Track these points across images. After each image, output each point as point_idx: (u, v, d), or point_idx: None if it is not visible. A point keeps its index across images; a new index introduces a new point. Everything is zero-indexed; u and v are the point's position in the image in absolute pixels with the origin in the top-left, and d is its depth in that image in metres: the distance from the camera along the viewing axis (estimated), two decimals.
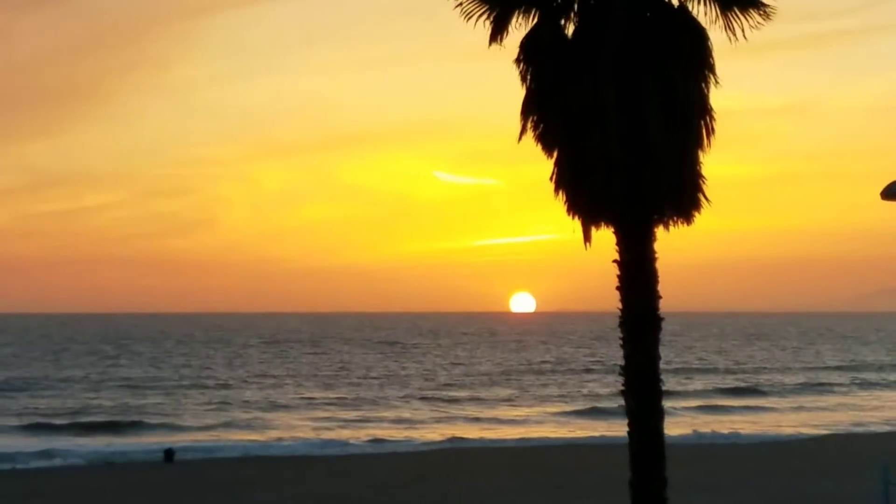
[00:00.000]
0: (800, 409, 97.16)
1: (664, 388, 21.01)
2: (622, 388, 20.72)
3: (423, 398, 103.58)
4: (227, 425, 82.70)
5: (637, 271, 20.31)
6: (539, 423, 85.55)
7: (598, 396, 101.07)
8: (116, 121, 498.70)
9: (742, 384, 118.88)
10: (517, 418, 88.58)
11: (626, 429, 20.62)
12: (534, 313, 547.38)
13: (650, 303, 20.40)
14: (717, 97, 21.05)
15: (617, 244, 20.59)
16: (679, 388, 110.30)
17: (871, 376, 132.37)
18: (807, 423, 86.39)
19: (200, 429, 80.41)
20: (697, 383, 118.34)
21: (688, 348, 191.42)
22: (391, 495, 42.65)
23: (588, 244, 20.55)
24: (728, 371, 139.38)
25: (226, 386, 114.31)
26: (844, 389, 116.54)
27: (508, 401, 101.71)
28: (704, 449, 62.19)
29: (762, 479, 46.22)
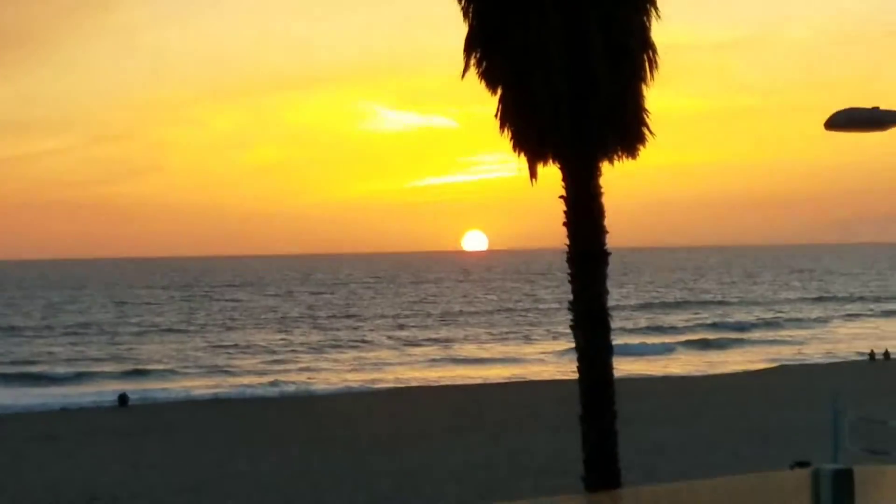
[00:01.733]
0: (757, 342, 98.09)
1: (617, 324, 21.07)
2: (571, 323, 20.73)
3: (383, 340, 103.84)
4: (183, 370, 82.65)
5: (583, 207, 20.27)
6: (500, 361, 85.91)
7: (559, 335, 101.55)
8: (60, 65, 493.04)
9: (700, 320, 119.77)
10: (480, 357, 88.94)
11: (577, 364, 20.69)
12: (487, 251, 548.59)
13: (597, 238, 20.38)
14: (662, 32, 20.95)
15: (563, 180, 20.54)
16: (642, 325, 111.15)
17: (822, 310, 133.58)
18: (760, 356, 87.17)
19: (156, 373, 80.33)
20: (662, 318, 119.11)
21: (641, 284, 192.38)
22: (335, 433, 42.75)
23: (534, 180, 20.49)
24: (684, 304, 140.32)
25: (181, 331, 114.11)
26: (795, 323, 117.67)
27: (468, 341, 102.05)
28: (656, 383, 62.68)
29: (715, 411, 46.62)
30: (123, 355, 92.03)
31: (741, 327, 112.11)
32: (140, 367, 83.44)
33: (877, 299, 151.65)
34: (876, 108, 13.36)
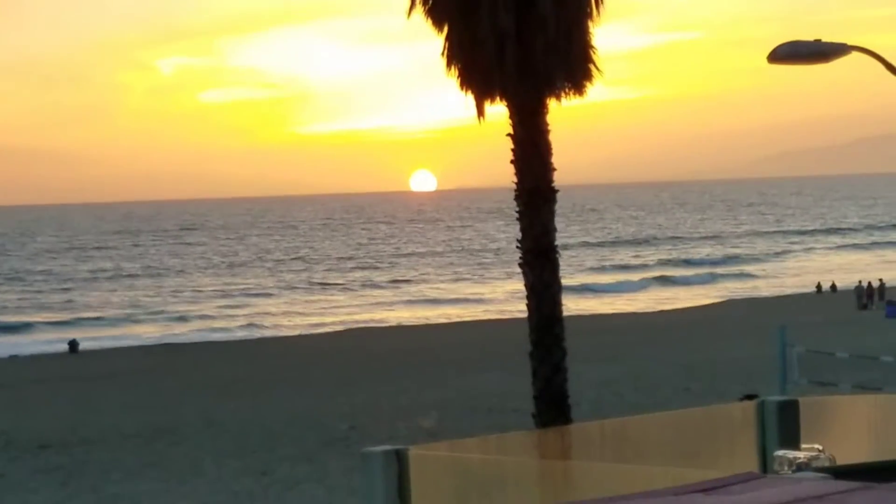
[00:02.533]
0: (714, 277, 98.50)
1: (562, 261, 21.11)
2: (519, 261, 20.75)
3: (336, 282, 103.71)
4: (134, 316, 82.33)
5: (530, 145, 20.25)
6: (453, 301, 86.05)
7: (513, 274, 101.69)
8: (8, 7, 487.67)
9: (657, 256, 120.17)
10: (433, 297, 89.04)
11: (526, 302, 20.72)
12: (435, 192, 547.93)
13: (544, 176, 20.38)
14: None
15: (510, 118, 20.50)
16: (597, 265, 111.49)
17: (776, 244, 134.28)
18: (715, 291, 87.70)
19: (107, 320, 79.96)
20: (613, 257, 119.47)
21: (592, 222, 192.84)
22: (285, 375, 42.75)
23: (481, 118, 20.43)
24: (640, 242, 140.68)
25: (131, 276, 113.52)
26: (751, 258, 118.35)
27: (421, 281, 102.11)
28: (606, 320, 62.95)
29: (663, 346, 46.87)
30: (75, 301, 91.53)
31: (695, 262, 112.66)
32: (90, 314, 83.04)
33: (830, 231, 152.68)
34: (818, 41, 13.36)
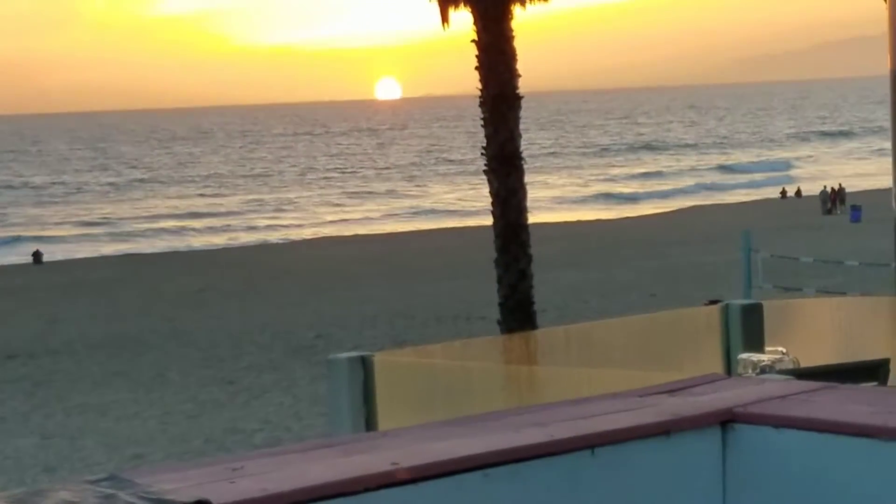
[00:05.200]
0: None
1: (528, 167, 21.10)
2: (484, 167, 20.75)
3: (300, 193, 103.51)
4: (95, 225, 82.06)
5: (494, 51, 20.20)
6: (422, 212, 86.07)
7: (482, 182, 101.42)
8: None
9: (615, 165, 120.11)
10: (402, 207, 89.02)
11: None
12: (400, 99, 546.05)
13: (510, 82, 20.35)
14: None
15: (474, 24, 20.42)
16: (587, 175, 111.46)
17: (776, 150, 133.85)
18: (669, 197, 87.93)
19: (72, 232, 79.73)
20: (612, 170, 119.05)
21: (572, 129, 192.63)
22: (252, 285, 42.76)
23: (446, 25, 20.35)
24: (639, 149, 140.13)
25: (94, 191, 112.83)
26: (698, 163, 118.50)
27: (389, 191, 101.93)
28: (571, 228, 63.11)
29: (630, 253, 47.04)
30: (36, 216, 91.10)
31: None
32: (53, 227, 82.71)
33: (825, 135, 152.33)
34: None
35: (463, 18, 20.84)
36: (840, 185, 71.07)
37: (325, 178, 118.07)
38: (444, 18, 20.55)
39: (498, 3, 20.35)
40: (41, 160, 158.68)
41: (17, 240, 75.13)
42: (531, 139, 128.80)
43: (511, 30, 20.60)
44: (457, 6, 20.47)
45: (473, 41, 20.66)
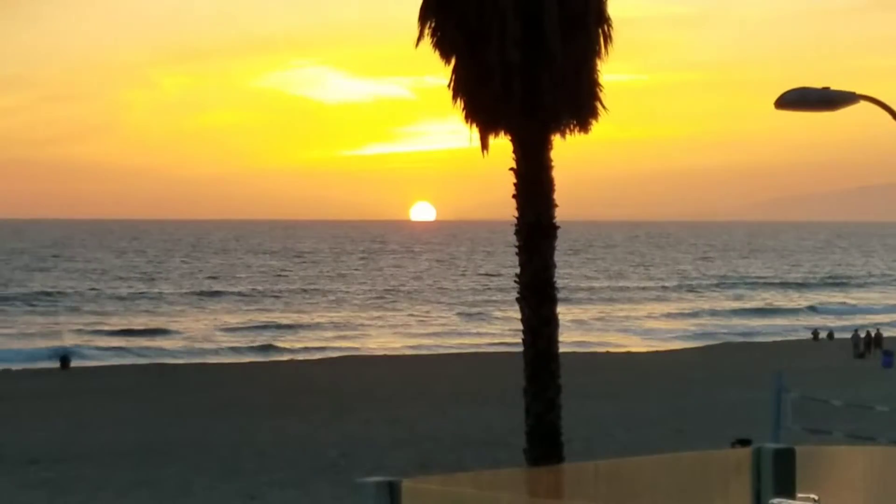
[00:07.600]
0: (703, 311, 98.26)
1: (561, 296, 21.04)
2: (517, 296, 20.70)
3: (330, 311, 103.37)
4: (130, 331, 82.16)
5: (533, 180, 20.23)
6: (453, 333, 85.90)
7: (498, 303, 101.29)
8: (16, 22, 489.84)
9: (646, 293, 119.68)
10: (433, 331, 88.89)
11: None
12: (434, 222, 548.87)
13: (546, 211, 20.36)
14: (618, 5, 20.88)
15: (514, 152, 20.49)
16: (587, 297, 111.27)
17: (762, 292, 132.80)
18: (695, 332, 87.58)
19: (101, 334, 79.87)
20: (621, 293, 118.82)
21: (589, 260, 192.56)
22: (284, 400, 42.62)
23: (485, 152, 20.42)
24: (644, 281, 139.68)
25: (132, 296, 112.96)
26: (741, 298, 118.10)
27: (424, 313, 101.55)
28: (600, 359, 62.90)
29: (660, 387, 46.79)
30: (74, 314, 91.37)
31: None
32: (87, 327, 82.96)
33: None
34: (827, 89, 13.36)
35: (502, 146, 20.93)
36: (878, 329, 70.77)
37: (358, 293, 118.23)
38: (484, 145, 20.67)
39: (538, 132, 20.45)
40: (82, 263, 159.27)
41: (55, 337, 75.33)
42: (581, 273, 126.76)
43: (550, 159, 20.69)
44: (497, 134, 20.58)
45: (512, 169, 20.76)
